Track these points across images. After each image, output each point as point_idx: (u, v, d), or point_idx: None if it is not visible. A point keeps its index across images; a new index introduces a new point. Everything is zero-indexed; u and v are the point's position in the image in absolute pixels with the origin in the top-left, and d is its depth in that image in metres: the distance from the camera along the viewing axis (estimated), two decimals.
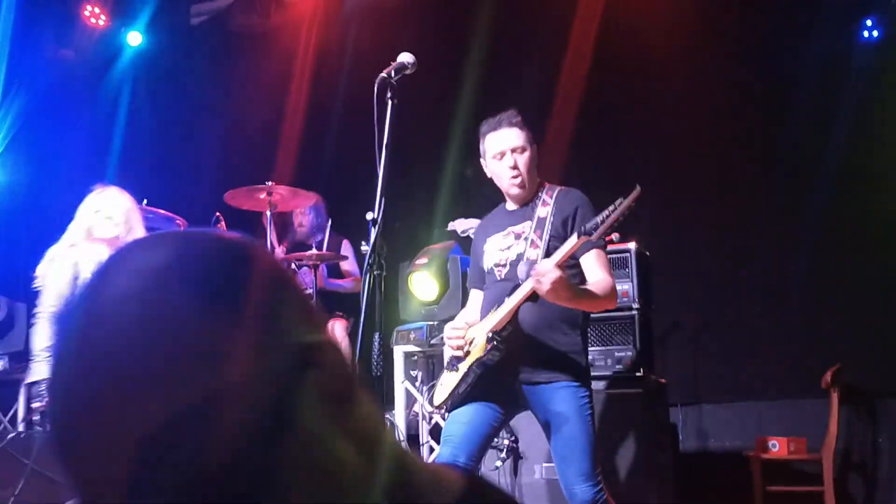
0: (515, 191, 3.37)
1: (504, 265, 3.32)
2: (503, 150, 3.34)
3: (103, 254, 4.11)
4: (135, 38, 7.24)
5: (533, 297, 3.07)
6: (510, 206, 3.46)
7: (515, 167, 3.33)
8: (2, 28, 6.26)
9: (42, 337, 4.09)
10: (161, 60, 7.30)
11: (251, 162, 6.68)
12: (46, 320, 4.10)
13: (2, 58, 6.35)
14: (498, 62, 6.20)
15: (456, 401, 3.22)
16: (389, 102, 2.79)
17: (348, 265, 5.84)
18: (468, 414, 3.19)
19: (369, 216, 2.81)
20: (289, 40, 7.17)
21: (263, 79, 7.07)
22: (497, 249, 3.38)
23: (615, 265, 4.40)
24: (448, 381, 3.26)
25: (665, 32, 5.94)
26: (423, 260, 5.22)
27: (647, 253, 4.70)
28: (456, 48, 6.18)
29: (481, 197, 3.70)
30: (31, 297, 6.25)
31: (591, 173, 5.75)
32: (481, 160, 3.47)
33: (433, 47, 5.60)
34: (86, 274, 4.12)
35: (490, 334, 3.12)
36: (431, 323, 5.14)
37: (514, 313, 3.14)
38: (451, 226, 5.11)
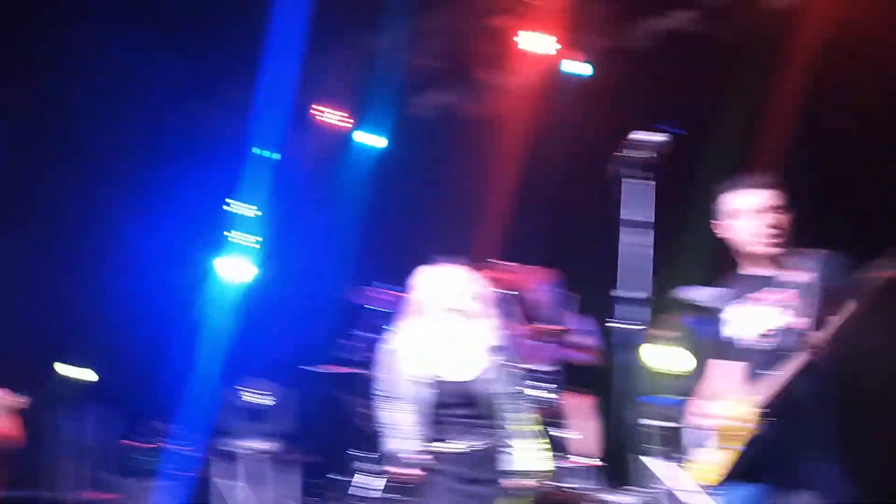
0: (770, 251, 3.22)
1: (764, 334, 3.21)
2: (761, 208, 3.20)
3: (453, 332, 3.85)
4: (375, 140, 7.74)
5: (803, 368, 2.95)
6: (750, 271, 3.30)
7: (777, 226, 3.19)
8: (271, 136, 6.90)
9: (389, 414, 3.84)
10: (393, 153, 7.75)
11: (481, 242, 6.89)
12: (391, 400, 3.86)
13: (270, 165, 7.00)
14: (724, 124, 6.10)
15: (725, 480, 3.11)
16: (647, 181, 2.83)
17: (589, 340, 5.88)
18: (740, 498, 3.07)
19: (620, 294, 2.84)
20: (510, 124, 7.41)
21: (491, 163, 7.33)
22: (745, 318, 3.26)
23: None
24: (710, 459, 3.17)
25: None
26: (665, 332, 5.16)
27: None
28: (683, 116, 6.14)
29: (712, 266, 3.60)
30: (289, 382, 6.78)
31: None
32: (717, 222, 3.32)
33: (654, 116, 5.61)
34: (430, 356, 3.83)
35: (760, 408, 3.01)
36: (677, 396, 5.05)
37: (785, 386, 3.03)
38: (683, 294, 5.02)
